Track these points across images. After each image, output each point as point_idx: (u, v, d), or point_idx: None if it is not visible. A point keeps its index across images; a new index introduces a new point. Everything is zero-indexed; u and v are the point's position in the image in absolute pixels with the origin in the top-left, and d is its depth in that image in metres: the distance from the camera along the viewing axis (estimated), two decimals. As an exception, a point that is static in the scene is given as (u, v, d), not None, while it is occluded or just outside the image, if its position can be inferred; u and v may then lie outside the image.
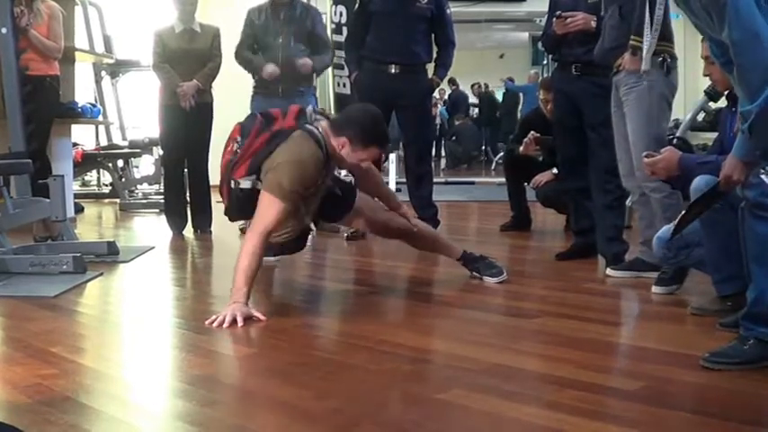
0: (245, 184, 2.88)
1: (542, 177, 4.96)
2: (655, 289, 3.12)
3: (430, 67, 4.85)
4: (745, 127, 2.04)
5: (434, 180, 5.04)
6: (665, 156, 2.82)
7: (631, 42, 3.17)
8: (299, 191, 2.81)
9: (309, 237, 3.34)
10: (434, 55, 4.84)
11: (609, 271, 3.52)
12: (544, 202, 5.11)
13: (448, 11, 4.79)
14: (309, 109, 3.00)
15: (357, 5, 4.77)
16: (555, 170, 4.74)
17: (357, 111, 3.06)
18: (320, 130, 2.90)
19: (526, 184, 5.19)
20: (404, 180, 5.15)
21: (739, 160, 2.15)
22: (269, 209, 2.77)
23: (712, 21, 2.04)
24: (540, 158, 5.08)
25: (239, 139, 2.91)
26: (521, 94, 14.08)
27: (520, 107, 13.85)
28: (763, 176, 2.10)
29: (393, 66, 4.61)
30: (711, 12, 2.03)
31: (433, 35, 4.76)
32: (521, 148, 5.02)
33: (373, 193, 3.34)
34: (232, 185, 2.92)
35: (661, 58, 3.20)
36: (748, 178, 2.13)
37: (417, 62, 4.68)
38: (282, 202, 2.77)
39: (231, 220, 3.21)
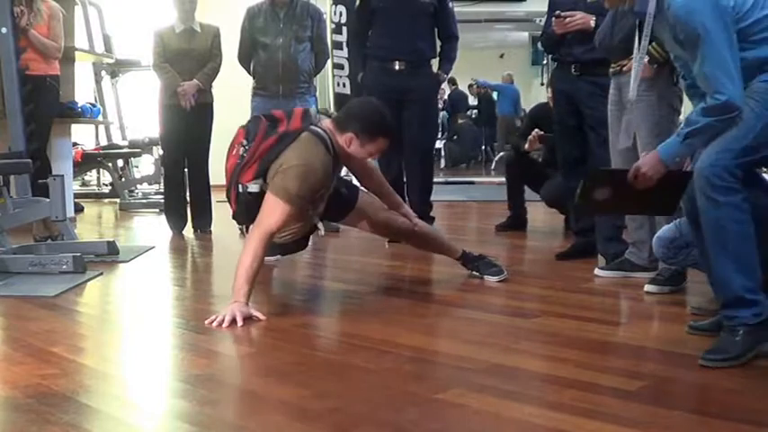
0: (253, 188, 2.86)
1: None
2: (647, 287, 3.13)
3: (433, 63, 4.78)
4: (683, 131, 2.10)
5: (434, 180, 4.98)
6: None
7: (649, 50, 3.09)
8: (306, 196, 2.80)
9: (314, 235, 3.32)
10: (438, 50, 4.79)
11: (597, 271, 3.52)
12: (549, 201, 5.07)
13: (450, 4, 4.73)
14: (313, 110, 2.99)
15: (358, 2, 4.72)
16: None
17: (359, 104, 3.04)
18: (326, 129, 2.89)
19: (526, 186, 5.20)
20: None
21: (661, 161, 2.22)
22: (274, 211, 2.76)
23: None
24: (540, 159, 5.07)
25: (245, 142, 2.86)
26: (494, 93, 14.06)
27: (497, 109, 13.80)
28: (766, 176, 2.10)
29: (398, 62, 4.57)
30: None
31: (436, 30, 4.71)
32: (526, 145, 5.01)
33: (375, 191, 3.33)
34: (240, 190, 2.90)
35: (670, 69, 3.12)
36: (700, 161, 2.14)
37: (422, 58, 4.63)
38: (288, 205, 2.76)
39: (240, 224, 3.18)
